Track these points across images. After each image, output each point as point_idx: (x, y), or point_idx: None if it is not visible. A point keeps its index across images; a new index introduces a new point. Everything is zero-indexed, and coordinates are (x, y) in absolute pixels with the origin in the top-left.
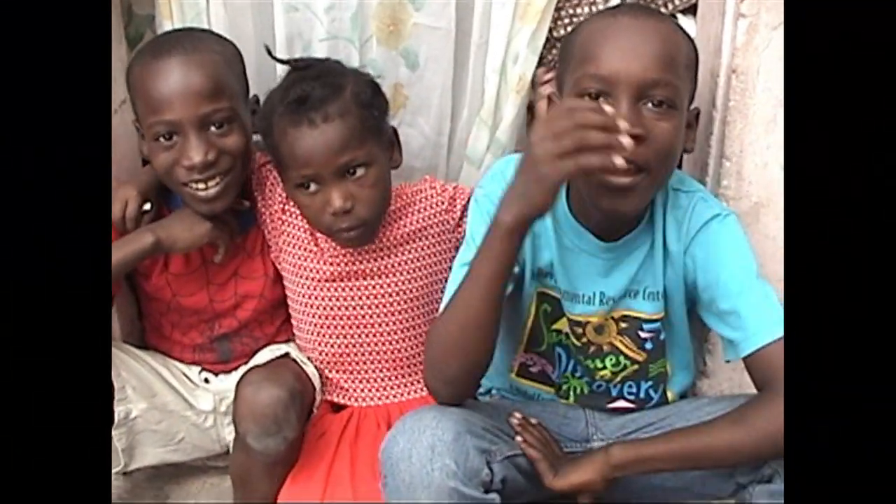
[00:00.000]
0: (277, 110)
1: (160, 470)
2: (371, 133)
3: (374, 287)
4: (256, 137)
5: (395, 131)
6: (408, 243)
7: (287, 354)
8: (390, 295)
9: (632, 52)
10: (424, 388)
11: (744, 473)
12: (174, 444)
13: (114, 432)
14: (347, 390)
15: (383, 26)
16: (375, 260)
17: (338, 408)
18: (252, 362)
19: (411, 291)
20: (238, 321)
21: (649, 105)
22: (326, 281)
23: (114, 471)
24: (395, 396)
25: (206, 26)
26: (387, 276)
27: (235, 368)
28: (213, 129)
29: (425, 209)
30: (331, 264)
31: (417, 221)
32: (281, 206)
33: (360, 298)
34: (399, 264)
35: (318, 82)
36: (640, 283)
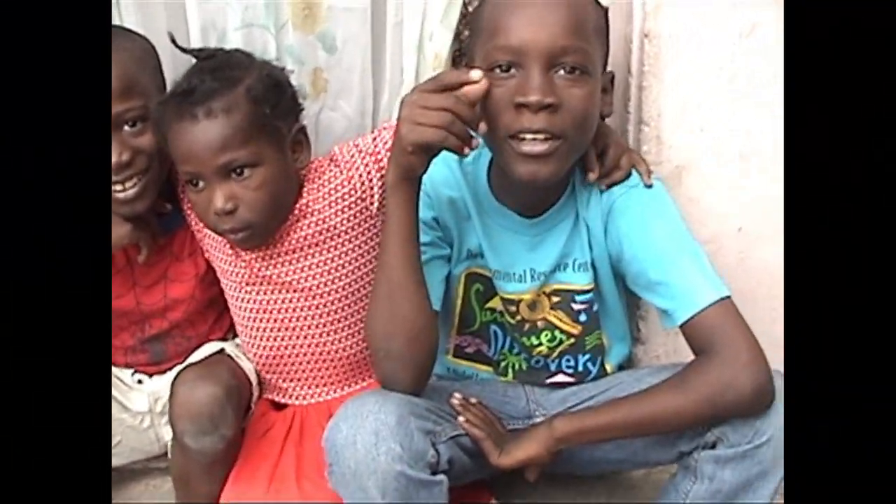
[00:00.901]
0: (168, 100)
1: None
2: (261, 132)
3: (294, 291)
4: None
5: (302, 130)
6: (320, 244)
7: (222, 350)
8: (313, 298)
9: (539, 21)
10: (366, 383)
11: (686, 441)
12: (112, 449)
13: None
14: (286, 390)
15: (298, 11)
16: (287, 264)
17: (279, 406)
18: (187, 361)
19: (336, 292)
20: (169, 322)
21: (561, 72)
22: (247, 285)
23: None
24: (335, 392)
25: (117, 22)
26: (305, 281)
27: (170, 369)
28: (126, 128)
29: (336, 203)
30: (245, 268)
31: (329, 219)
32: None
33: (283, 302)
34: (315, 266)
35: (211, 75)
36: (569, 255)
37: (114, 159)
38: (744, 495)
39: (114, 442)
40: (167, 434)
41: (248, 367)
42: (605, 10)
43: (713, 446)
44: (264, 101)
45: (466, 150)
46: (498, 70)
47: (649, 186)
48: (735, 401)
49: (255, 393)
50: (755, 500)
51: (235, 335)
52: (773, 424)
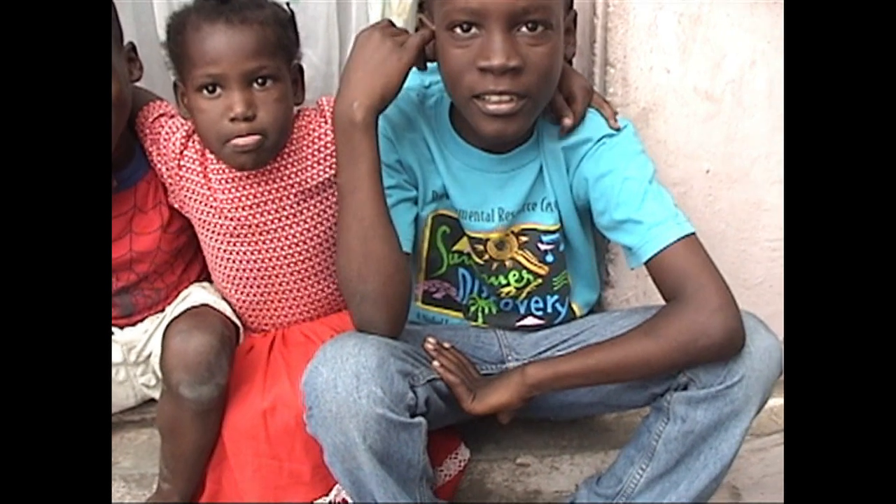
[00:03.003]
0: (197, 6)
1: None
2: (283, 51)
3: (277, 240)
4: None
5: (301, 69)
6: (311, 197)
7: (206, 304)
8: (296, 245)
9: None
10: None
11: (657, 383)
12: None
13: None
14: (267, 325)
15: None
16: (274, 212)
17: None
18: (170, 313)
19: (317, 237)
20: (136, 275)
21: (524, 30)
22: (229, 236)
23: None
24: (313, 311)
25: None
26: (289, 228)
27: (140, 321)
28: None
29: (320, 151)
30: (230, 219)
31: (319, 174)
32: (177, 161)
33: (265, 251)
34: (299, 214)
35: None
36: (537, 195)
37: None
38: (716, 434)
39: None
40: (142, 386)
41: (231, 314)
42: None
43: (685, 388)
44: (286, 26)
45: None
46: (458, 30)
47: (617, 130)
48: (707, 346)
49: (241, 338)
50: (727, 440)
51: (207, 280)
52: (745, 365)
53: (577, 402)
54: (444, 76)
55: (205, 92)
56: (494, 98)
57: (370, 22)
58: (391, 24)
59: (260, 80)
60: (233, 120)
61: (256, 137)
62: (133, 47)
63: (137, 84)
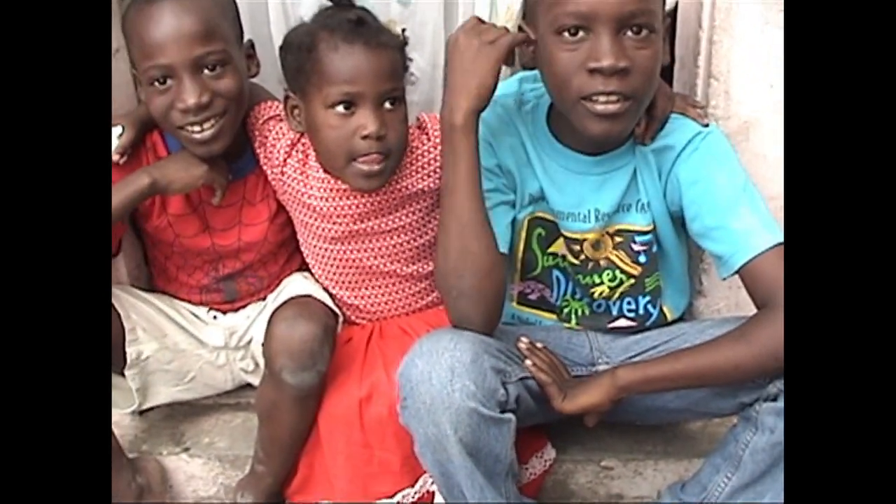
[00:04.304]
0: (329, 24)
1: (174, 409)
2: (402, 74)
3: (376, 244)
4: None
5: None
6: (408, 205)
7: (309, 296)
8: (394, 247)
9: None
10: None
11: (747, 392)
12: (185, 384)
13: (127, 373)
14: (364, 318)
15: None
16: (374, 219)
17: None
18: (272, 301)
19: (414, 240)
20: (242, 263)
21: (629, 34)
22: (332, 240)
23: (129, 410)
24: (410, 306)
25: None
26: (388, 234)
27: (243, 307)
28: (206, 71)
29: (423, 168)
30: (334, 223)
31: (416, 183)
32: (280, 168)
33: (364, 253)
34: (397, 220)
35: (369, 14)
36: (632, 196)
37: (193, 100)
38: None
39: (188, 377)
40: (241, 371)
41: (332, 304)
42: None
43: (774, 398)
44: (403, 50)
45: None
46: (567, 34)
47: (705, 125)
48: None
49: (340, 328)
50: None
51: (307, 270)
52: None
53: (664, 408)
54: (550, 79)
55: (337, 109)
56: (603, 98)
57: None
58: (480, 20)
59: (390, 101)
60: (364, 138)
61: (383, 161)
62: (252, 45)
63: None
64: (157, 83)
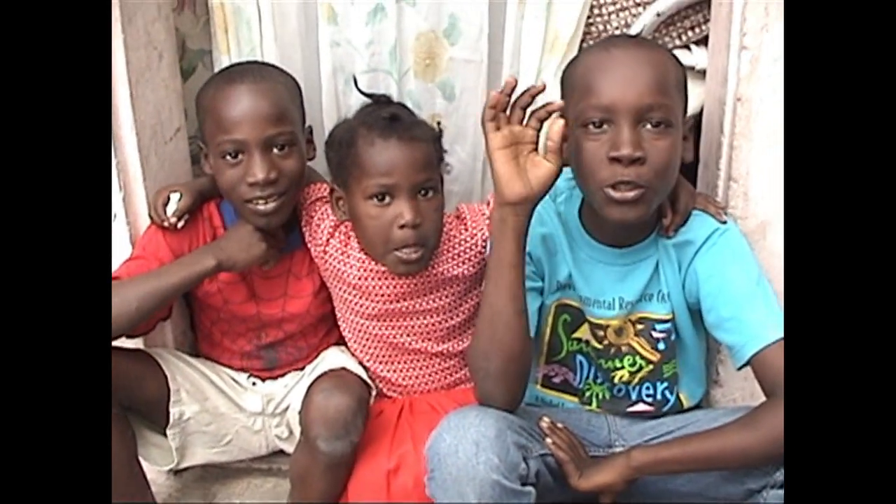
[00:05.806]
0: (367, 122)
1: (207, 470)
2: (437, 165)
3: (411, 323)
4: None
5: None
6: (443, 288)
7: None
8: (428, 327)
9: (627, 81)
10: (459, 375)
11: (756, 479)
12: (222, 446)
13: (169, 432)
14: (396, 392)
15: (420, 60)
16: (410, 300)
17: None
18: (312, 372)
19: (446, 321)
20: (284, 333)
21: (647, 126)
22: (369, 317)
23: (167, 468)
24: (439, 382)
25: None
26: (423, 314)
27: (281, 375)
28: (275, 150)
29: (459, 255)
30: (372, 301)
31: (452, 269)
32: (322, 248)
33: (399, 331)
34: (432, 302)
35: (405, 110)
36: (654, 286)
37: (262, 175)
38: None
39: (225, 440)
40: (275, 437)
41: (367, 378)
42: (683, 68)
43: (781, 486)
44: (438, 142)
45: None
46: (591, 126)
47: (723, 223)
48: None
49: (372, 400)
50: None
51: (343, 343)
52: None
53: (675, 491)
54: (578, 169)
55: (375, 200)
56: (622, 186)
57: None
58: None
59: (423, 191)
60: (402, 227)
61: (420, 251)
62: (311, 130)
63: None
64: (229, 156)
